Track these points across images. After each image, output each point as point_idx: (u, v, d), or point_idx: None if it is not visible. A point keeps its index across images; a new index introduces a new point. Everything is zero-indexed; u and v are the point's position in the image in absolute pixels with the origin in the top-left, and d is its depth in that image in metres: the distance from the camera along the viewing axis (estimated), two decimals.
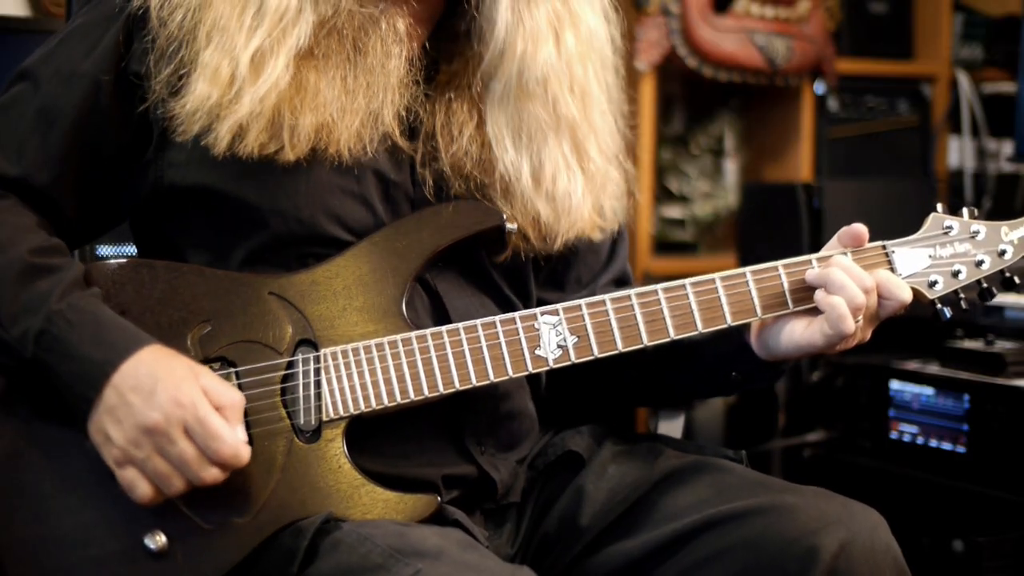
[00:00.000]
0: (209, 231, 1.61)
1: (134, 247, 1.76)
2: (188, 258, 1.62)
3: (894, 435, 2.80)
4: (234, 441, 1.46)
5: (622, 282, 1.83)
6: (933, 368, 2.75)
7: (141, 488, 1.47)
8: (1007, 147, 3.79)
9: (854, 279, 1.58)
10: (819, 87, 3.72)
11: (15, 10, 2.76)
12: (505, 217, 1.63)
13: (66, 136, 1.60)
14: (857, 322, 1.57)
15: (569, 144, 1.67)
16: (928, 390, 2.72)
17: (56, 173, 1.60)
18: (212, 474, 1.46)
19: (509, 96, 1.64)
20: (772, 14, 3.59)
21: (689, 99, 3.88)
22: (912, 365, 2.80)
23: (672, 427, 1.90)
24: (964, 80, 3.85)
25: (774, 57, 3.57)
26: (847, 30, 3.78)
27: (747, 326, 1.65)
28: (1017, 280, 1.67)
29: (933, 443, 2.70)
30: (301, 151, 1.55)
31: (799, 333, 1.61)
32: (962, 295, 1.67)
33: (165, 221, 1.65)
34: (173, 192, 1.61)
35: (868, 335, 1.63)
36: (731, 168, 3.86)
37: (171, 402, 1.45)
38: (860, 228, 1.64)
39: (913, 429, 2.75)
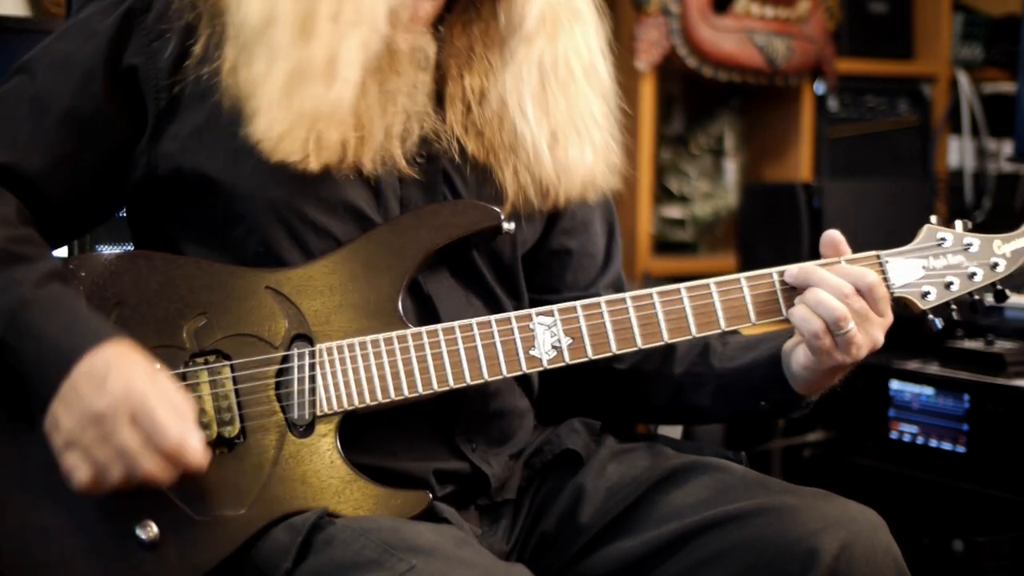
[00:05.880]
0: (201, 221, 1.61)
1: (132, 246, 1.75)
2: (183, 251, 1.62)
3: (894, 435, 2.79)
4: (179, 434, 1.43)
5: (617, 289, 1.82)
6: (933, 368, 2.75)
7: (80, 473, 1.45)
8: (1007, 147, 3.79)
9: (829, 289, 1.57)
10: (819, 87, 3.71)
11: (15, 10, 2.75)
12: (502, 214, 1.63)
13: (59, 123, 1.59)
14: (844, 332, 1.56)
15: (576, 111, 1.68)
16: (928, 390, 2.71)
17: (48, 159, 1.59)
18: (154, 466, 1.43)
19: (532, 67, 1.65)
20: (772, 14, 3.59)
21: (689, 99, 3.87)
22: (912, 365, 2.79)
23: (671, 427, 1.90)
24: (964, 80, 3.85)
25: (774, 57, 3.56)
26: (847, 30, 3.77)
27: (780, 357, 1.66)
28: (1008, 293, 1.68)
29: (933, 443, 2.70)
30: (322, 163, 1.55)
31: (802, 354, 1.61)
32: (954, 306, 1.68)
33: (159, 214, 1.65)
34: (165, 182, 1.60)
35: (879, 338, 1.61)
36: (731, 168, 3.85)
37: (120, 391, 1.43)
38: (832, 236, 1.64)
39: (913, 429, 2.75)
